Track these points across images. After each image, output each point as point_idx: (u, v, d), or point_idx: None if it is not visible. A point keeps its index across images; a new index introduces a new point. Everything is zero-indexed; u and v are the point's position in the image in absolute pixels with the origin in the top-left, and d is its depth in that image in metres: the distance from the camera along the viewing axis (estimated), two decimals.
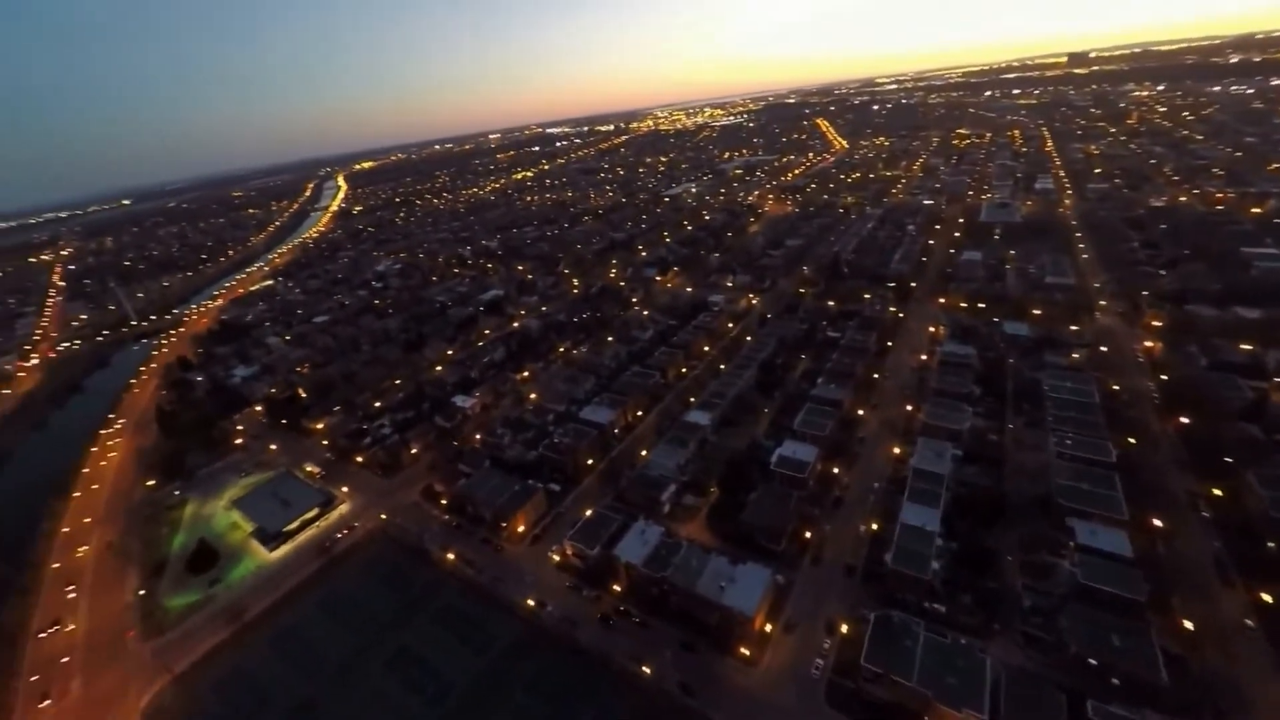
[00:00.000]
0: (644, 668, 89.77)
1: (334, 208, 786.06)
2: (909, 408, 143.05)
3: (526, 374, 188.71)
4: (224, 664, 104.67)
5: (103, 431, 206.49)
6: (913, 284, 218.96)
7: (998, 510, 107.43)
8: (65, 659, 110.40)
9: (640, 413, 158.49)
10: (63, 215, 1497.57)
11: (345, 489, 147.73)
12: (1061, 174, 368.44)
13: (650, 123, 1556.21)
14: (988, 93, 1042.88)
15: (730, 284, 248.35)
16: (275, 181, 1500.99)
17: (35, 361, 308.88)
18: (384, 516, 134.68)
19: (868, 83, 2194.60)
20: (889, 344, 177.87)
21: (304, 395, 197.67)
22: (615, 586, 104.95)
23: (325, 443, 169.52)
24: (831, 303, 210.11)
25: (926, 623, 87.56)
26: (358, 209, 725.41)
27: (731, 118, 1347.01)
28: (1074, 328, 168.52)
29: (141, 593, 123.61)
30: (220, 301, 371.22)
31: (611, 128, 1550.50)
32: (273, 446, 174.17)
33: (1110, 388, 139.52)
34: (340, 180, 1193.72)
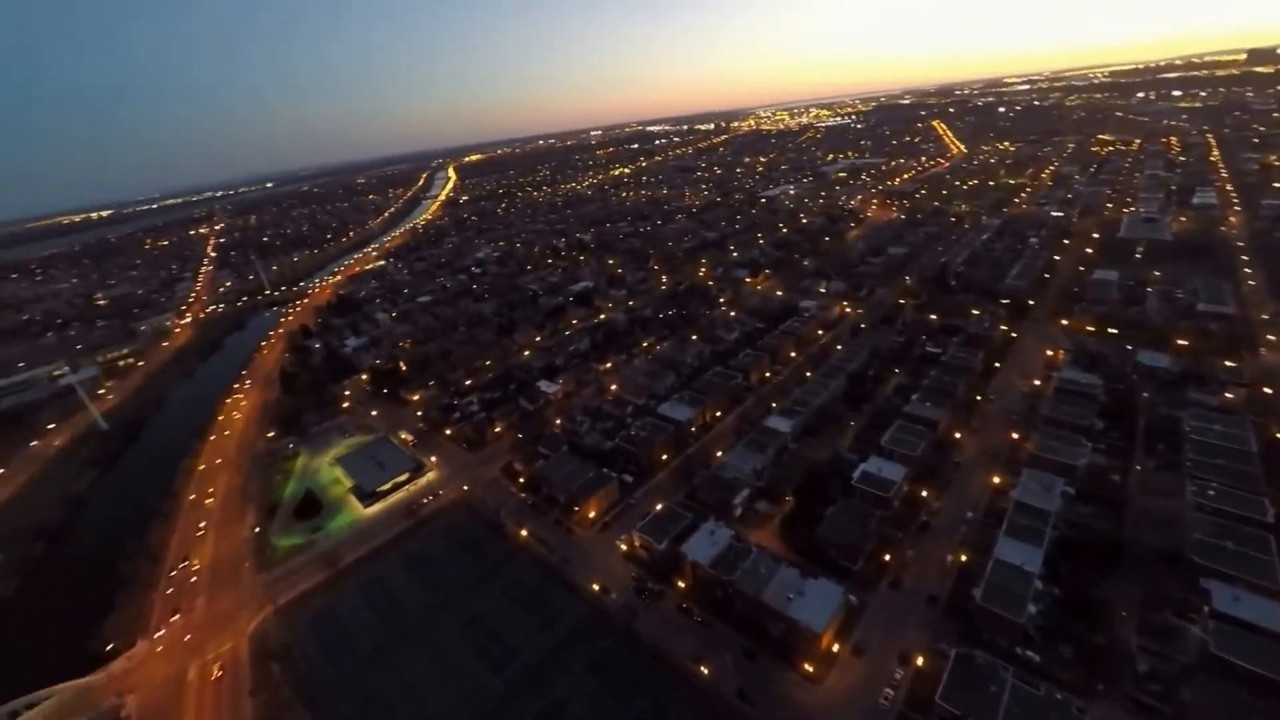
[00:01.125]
0: (702, 668, 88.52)
1: (443, 197, 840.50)
2: (1014, 436, 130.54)
3: (609, 365, 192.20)
4: (318, 603, 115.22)
5: (235, 385, 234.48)
6: (1030, 301, 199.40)
7: (1114, 559, 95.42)
8: (194, 579, 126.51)
9: (719, 413, 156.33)
10: (217, 195, 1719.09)
11: (434, 458, 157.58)
12: (1228, 187, 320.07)
13: (751, 122, 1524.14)
14: (1140, 94, 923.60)
15: (824, 290, 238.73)
16: (394, 170, 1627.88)
17: (189, 320, 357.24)
18: (466, 488, 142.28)
19: (993, 83, 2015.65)
20: (997, 365, 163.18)
21: (404, 368, 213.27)
22: (680, 583, 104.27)
23: (419, 414, 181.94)
24: (934, 316, 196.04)
25: (1015, 669, 79.60)
26: (464, 198, 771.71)
27: (838, 118, 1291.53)
28: (1229, 363, 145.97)
29: (256, 530, 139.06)
30: (339, 278, 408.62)
31: (711, 127, 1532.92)
32: (374, 413, 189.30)
33: (1272, 435, 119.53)
34: (451, 171, 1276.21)
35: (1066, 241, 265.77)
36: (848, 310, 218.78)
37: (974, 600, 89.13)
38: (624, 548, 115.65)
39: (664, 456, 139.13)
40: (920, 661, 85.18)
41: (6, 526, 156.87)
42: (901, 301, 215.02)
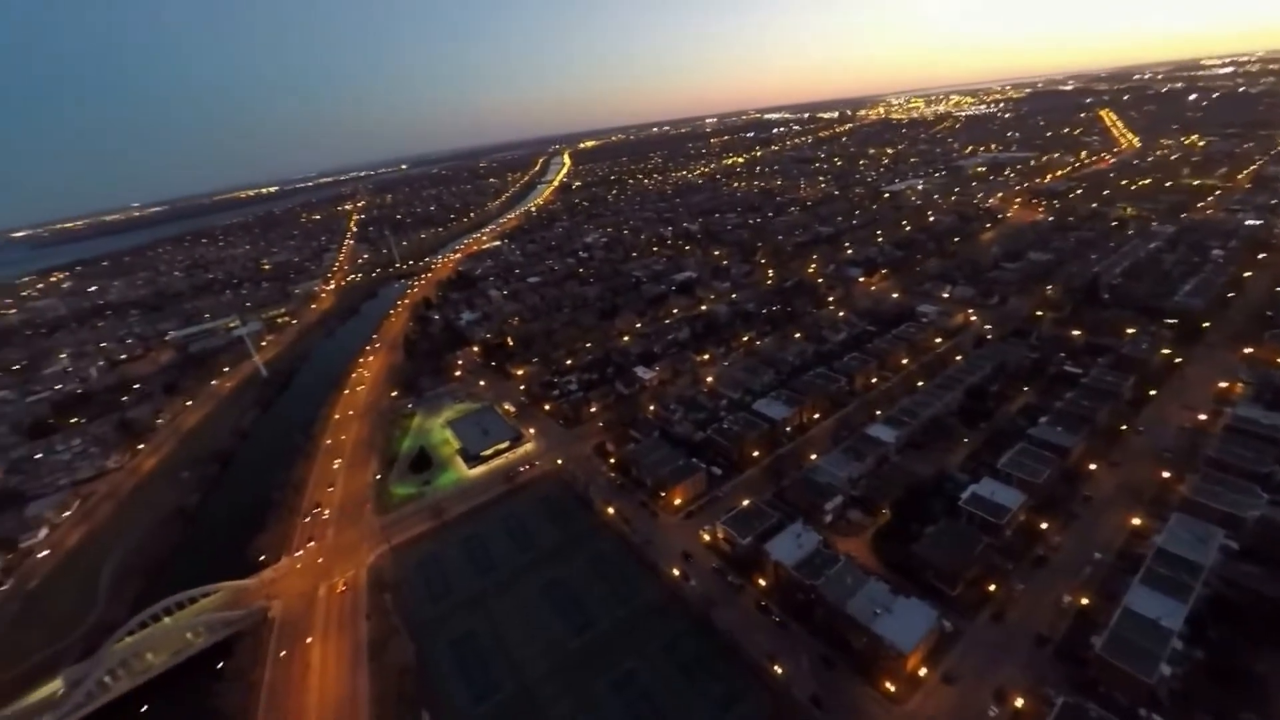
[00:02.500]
0: (776, 667, 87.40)
1: (556, 182, 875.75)
2: (1165, 475, 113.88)
3: (707, 357, 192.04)
4: (424, 548, 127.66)
5: (367, 347, 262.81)
6: (1205, 324, 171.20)
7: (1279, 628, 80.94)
8: (326, 512, 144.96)
9: (817, 415, 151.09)
10: (361, 174, 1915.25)
11: (532, 430, 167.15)
12: None
13: (881, 110, 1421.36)
14: None
15: (947, 295, 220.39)
16: (513, 156, 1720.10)
17: (332, 286, 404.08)
18: (560, 462, 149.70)
19: (1183, 65, 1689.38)
20: (1151, 392, 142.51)
21: (511, 344, 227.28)
22: (760, 580, 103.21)
23: (522, 388, 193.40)
24: (1077, 332, 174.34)
25: None
26: (576, 184, 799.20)
27: (984, 106, 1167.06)
28: None
29: (378, 477, 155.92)
30: (459, 255, 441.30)
31: (835, 115, 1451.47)
32: (482, 383, 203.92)
33: None
34: (566, 157, 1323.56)
35: (1262, 256, 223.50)
36: (973, 318, 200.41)
37: (1093, 649, 79.89)
38: (706, 538, 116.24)
39: (755, 453, 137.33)
40: (1020, 703, 78.03)
41: (194, 449, 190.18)
42: (1039, 313, 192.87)
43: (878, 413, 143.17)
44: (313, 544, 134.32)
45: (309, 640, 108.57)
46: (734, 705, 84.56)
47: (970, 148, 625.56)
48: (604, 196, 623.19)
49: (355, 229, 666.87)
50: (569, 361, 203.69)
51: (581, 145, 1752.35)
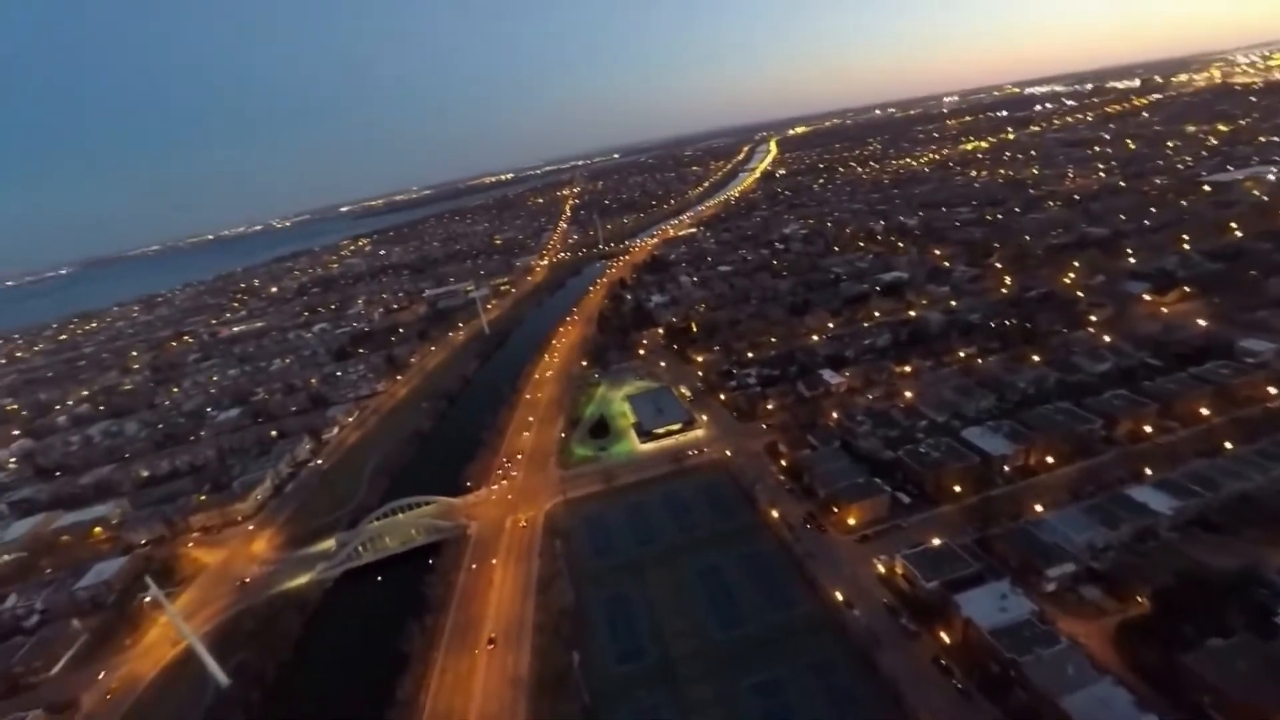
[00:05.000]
0: None
1: (760, 170, 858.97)
2: None
3: (909, 369, 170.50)
4: (593, 507, 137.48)
5: (567, 318, 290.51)
6: None
7: None
8: (519, 457, 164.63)
9: (1051, 459, 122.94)
10: (579, 163, 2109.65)
11: (704, 417, 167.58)
12: None
13: (1214, 72, 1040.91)
14: None
15: None
16: (718, 143, 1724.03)
17: (545, 262, 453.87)
18: (729, 453, 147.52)
19: None
20: None
21: (695, 330, 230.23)
22: (943, 634, 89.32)
23: (700, 374, 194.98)
24: None
25: None
26: (780, 172, 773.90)
27: None
28: None
29: (562, 435, 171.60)
30: (656, 240, 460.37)
31: (1135, 84, 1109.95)
32: (662, 364, 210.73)
33: None
34: (772, 145, 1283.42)
35: None
36: None
37: None
38: (881, 569, 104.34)
39: (956, 487, 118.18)
40: None
41: (432, 386, 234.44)
42: None
43: (1147, 471, 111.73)
44: (505, 482, 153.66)
45: (493, 561, 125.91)
46: None
47: None
48: (809, 185, 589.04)
49: (569, 212, 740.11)
50: (750, 354, 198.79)
51: (790, 132, 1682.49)
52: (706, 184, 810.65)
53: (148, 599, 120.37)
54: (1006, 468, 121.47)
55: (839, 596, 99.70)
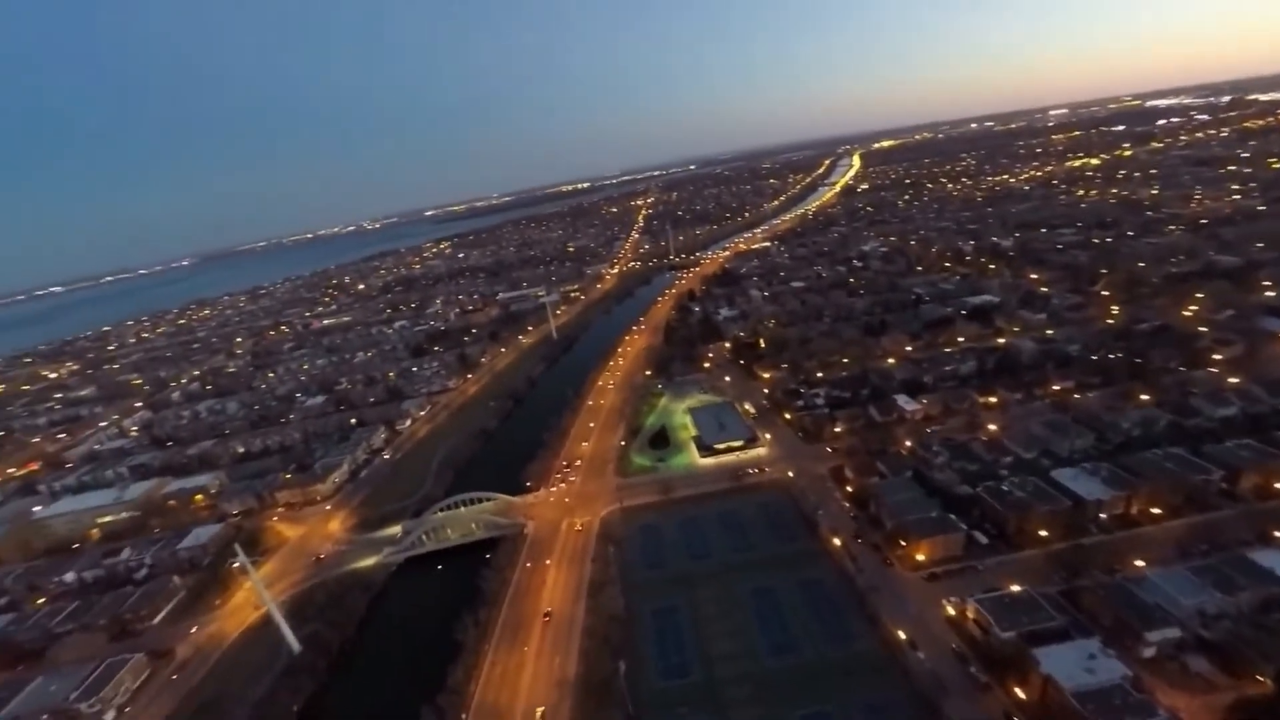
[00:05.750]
0: None
1: (841, 185, 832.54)
2: None
3: (994, 400, 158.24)
4: (648, 517, 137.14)
5: (634, 327, 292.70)
6: None
7: None
8: (579, 462, 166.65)
9: (1157, 510, 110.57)
10: (655, 173, 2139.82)
11: (768, 436, 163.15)
12: None
13: None
14: None
15: None
16: (798, 156, 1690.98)
17: (615, 271, 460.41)
18: (791, 475, 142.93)
19: None
20: None
21: (763, 345, 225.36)
22: (1018, 690, 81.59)
23: (766, 391, 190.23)
24: None
25: None
26: (862, 187, 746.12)
27: None
28: None
29: (622, 443, 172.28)
30: (727, 253, 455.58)
31: None
32: (727, 378, 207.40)
33: None
34: (855, 158, 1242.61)
35: None
36: None
37: None
38: (951, 611, 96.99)
39: (1042, 532, 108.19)
40: None
41: (500, 386, 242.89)
42: None
43: (1275, 534, 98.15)
44: (564, 485, 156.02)
45: (548, 562, 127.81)
46: None
47: None
48: (893, 201, 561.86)
49: (641, 222, 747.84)
50: (820, 374, 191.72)
51: (876, 145, 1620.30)
52: (783, 198, 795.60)
53: (236, 565, 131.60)
54: (1103, 515, 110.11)
55: (902, 635, 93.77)
